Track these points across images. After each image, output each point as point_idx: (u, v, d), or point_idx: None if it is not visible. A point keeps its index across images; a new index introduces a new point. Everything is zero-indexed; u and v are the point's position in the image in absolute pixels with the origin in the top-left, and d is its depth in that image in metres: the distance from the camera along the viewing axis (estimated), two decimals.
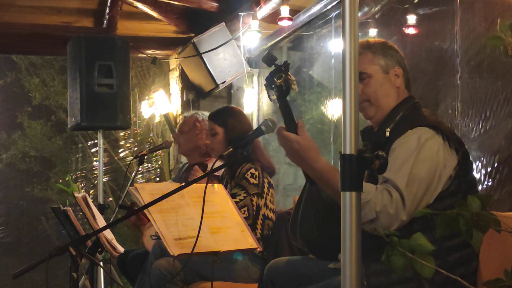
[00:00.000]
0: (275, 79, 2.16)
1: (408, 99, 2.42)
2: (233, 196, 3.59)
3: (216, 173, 4.05)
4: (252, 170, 3.59)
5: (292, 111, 2.21)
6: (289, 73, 2.16)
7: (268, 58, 2.21)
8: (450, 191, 2.19)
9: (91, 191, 9.21)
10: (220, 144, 3.74)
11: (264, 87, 2.25)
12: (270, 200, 3.67)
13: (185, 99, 5.97)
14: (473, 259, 2.22)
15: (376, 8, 4.40)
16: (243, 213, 3.49)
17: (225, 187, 3.74)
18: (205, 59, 5.30)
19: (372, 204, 2.07)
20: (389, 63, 2.42)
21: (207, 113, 4.50)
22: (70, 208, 3.19)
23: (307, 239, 2.50)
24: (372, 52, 2.42)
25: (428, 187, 2.16)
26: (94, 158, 10.02)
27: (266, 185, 3.65)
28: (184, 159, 6.06)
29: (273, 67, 2.21)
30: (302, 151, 2.13)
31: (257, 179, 3.59)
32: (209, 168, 3.80)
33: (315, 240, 2.47)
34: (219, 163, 2.76)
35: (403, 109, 2.37)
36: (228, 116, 3.82)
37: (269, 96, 2.18)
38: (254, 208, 3.57)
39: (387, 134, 2.30)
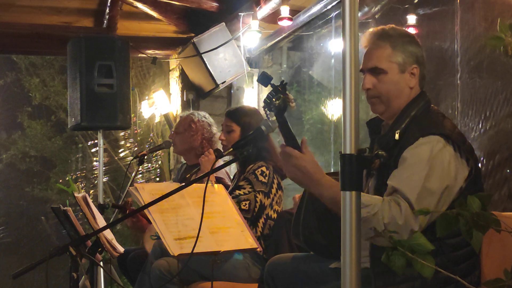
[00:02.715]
0: (273, 100, 2.12)
1: (420, 96, 2.35)
2: (238, 187, 3.60)
3: (221, 175, 4.06)
4: (263, 168, 3.60)
5: (291, 128, 2.18)
6: (287, 92, 2.13)
7: (263, 78, 2.17)
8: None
9: (91, 191, 9.20)
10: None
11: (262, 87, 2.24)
12: (276, 202, 3.66)
13: (185, 99, 5.97)
14: (477, 267, 2.21)
15: (376, 8, 4.40)
16: (244, 206, 3.48)
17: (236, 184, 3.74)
18: (205, 59, 5.30)
19: (379, 216, 2.02)
20: (407, 61, 2.33)
21: (203, 113, 4.49)
22: (70, 208, 3.18)
23: (310, 239, 2.49)
24: (392, 47, 2.32)
25: (439, 200, 2.12)
26: (94, 158, 10.02)
27: (275, 186, 3.64)
28: (184, 159, 6.06)
29: (269, 87, 2.17)
30: (308, 167, 2.08)
31: (266, 178, 3.58)
32: (209, 169, 3.81)
33: (318, 240, 2.47)
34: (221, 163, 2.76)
35: (415, 108, 2.30)
36: (246, 114, 3.82)
37: (267, 117, 2.15)
38: (257, 205, 3.56)
39: (397, 136, 2.24)
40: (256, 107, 5.89)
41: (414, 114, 2.29)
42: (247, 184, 3.58)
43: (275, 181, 3.65)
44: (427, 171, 2.11)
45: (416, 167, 2.13)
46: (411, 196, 2.07)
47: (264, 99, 2.16)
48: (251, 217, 3.55)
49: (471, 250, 2.13)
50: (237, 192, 3.56)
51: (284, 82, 2.16)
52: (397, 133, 2.25)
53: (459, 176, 2.16)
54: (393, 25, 2.44)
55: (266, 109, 2.16)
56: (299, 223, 2.49)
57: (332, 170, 5.56)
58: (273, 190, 3.64)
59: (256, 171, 3.59)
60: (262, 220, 3.61)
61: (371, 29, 2.43)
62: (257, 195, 3.56)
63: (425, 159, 2.13)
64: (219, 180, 3.90)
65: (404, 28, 2.49)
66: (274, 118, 2.14)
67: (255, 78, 5.96)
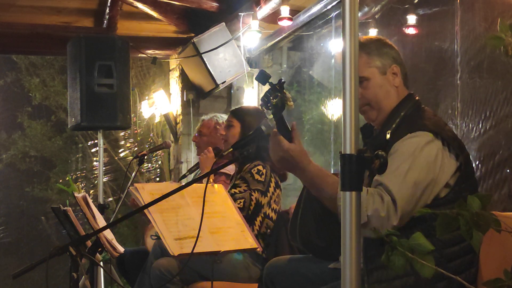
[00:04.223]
0: (271, 98, 2.14)
1: (408, 97, 2.38)
2: (234, 186, 3.62)
3: (227, 171, 4.08)
4: (260, 167, 3.61)
5: (286, 122, 2.21)
6: (284, 90, 2.15)
7: (262, 76, 2.19)
8: (449, 198, 2.16)
9: (91, 191, 9.20)
10: (234, 138, 3.77)
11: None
12: (274, 201, 3.67)
13: (185, 99, 5.98)
14: (474, 265, 2.21)
15: (376, 8, 4.40)
16: (238, 204, 3.49)
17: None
18: (205, 59, 5.30)
19: (363, 208, 2.04)
20: (385, 63, 2.37)
21: (224, 115, 4.54)
22: (70, 208, 3.18)
23: (307, 240, 2.49)
24: (367, 53, 2.36)
25: (423, 191, 2.13)
26: (94, 158, 10.02)
27: (272, 184, 3.66)
28: (184, 159, 6.06)
29: (267, 86, 2.19)
30: (295, 157, 2.13)
31: (263, 176, 3.60)
32: (208, 166, 3.83)
33: (315, 242, 2.47)
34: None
35: (404, 109, 2.33)
36: (247, 113, 3.88)
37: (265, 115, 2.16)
38: (253, 203, 3.57)
39: (388, 136, 2.27)
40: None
41: (404, 114, 2.32)
42: (243, 183, 3.60)
43: (273, 179, 3.66)
44: (411, 163, 2.13)
45: (401, 159, 2.15)
46: (393, 189, 2.09)
47: (262, 97, 2.18)
48: (246, 215, 3.55)
49: (465, 247, 2.13)
50: (233, 190, 3.59)
51: (282, 81, 2.17)
52: (388, 133, 2.27)
53: (446, 170, 2.17)
54: (362, 36, 2.49)
55: (263, 107, 2.18)
56: (296, 224, 2.49)
57: (332, 170, 5.57)
58: (271, 189, 3.65)
59: (252, 170, 3.60)
60: (259, 219, 3.62)
61: None
62: (253, 193, 3.57)
63: (410, 151, 2.16)
64: (228, 176, 3.94)
65: (375, 36, 2.53)
66: (271, 116, 2.16)
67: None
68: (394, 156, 2.17)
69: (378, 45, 2.39)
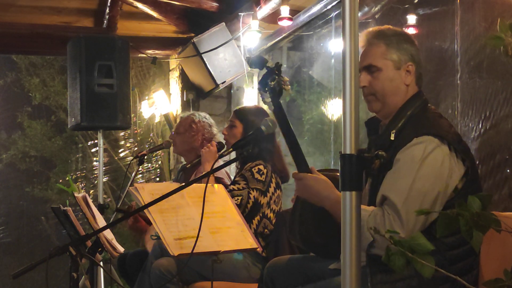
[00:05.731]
0: (268, 81, 2.15)
1: (417, 95, 2.35)
2: (233, 183, 3.62)
3: (220, 175, 4.06)
4: (261, 167, 3.60)
5: (288, 120, 2.24)
6: (281, 74, 2.16)
7: (258, 61, 2.20)
8: (454, 202, 2.14)
9: (91, 191, 9.21)
10: (236, 138, 3.75)
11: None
12: (274, 201, 3.67)
13: (185, 99, 5.97)
14: (475, 267, 2.21)
15: (376, 8, 4.40)
16: (236, 201, 3.48)
17: None
18: (205, 59, 5.30)
19: (365, 230, 2.07)
20: (402, 59, 2.33)
21: (204, 114, 4.51)
22: (70, 208, 3.19)
23: (307, 238, 2.49)
24: (386, 44, 2.33)
25: (434, 200, 2.12)
26: (94, 158, 10.02)
27: (273, 185, 3.65)
28: (183, 159, 6.06)
29: (264, 70, 2.20)
30: (317, 185, 2.26)
31: (263, 176, 3.59)
32: (210, 160, 3.83)
33: (315, 240, 2.46)
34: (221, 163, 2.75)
35: (411, 108, 2.30)
36: (250, 113, 3.85)
37: (263, 99, 2.17)
38: (251, 201, 3.57)
39: (392, 137, 2.25)
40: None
41: (410, 113, 2.29)
42: (242, 180, 3.60)
43: (273, 180, 3.66)
44: (417, 173, 2.12)
45: (406, 169, 2.14)
46: (398, 202, 2.09)
47: (259, 81, 2.18)
48: (244, 213, 3.55)
49: (468, 250, 2.13)
50: (231, 187, 3.59)
51: (279, 64, 2.18)
52: (392, 133, 2.25)
53: (454, 175, 2.16)
54: (389, 26, 2.45)
55: (261, 90, 2.19)
56: (295, 221, 2.49)
57: None
58: (271, 189, 3.64)
59: (253, 169, 3.60)
60: (257, 218, 3.62)
61: (367, 29, 2.43)
62: (251, 192, 3.57)
63: (416, 160, 2.14)
64: (218, 180, 3.90)
65: (400, 28, 2.50)
66: (269, 99, 2.18)
67: (255, 78, 5.96)
68: (399, 166, 2.16)
69: (399, 39, 2.36)
